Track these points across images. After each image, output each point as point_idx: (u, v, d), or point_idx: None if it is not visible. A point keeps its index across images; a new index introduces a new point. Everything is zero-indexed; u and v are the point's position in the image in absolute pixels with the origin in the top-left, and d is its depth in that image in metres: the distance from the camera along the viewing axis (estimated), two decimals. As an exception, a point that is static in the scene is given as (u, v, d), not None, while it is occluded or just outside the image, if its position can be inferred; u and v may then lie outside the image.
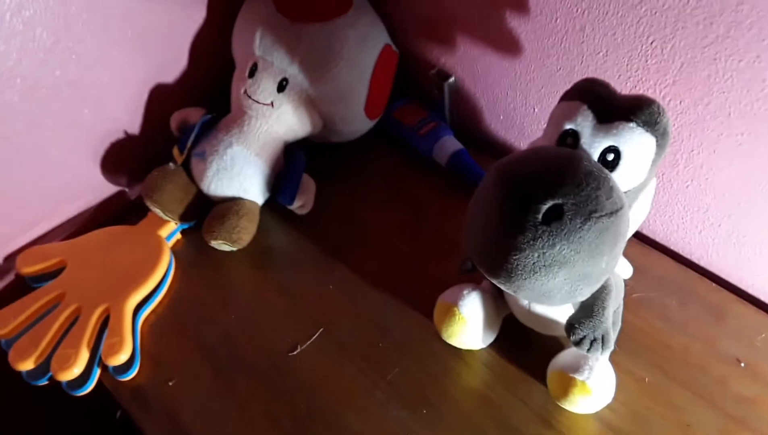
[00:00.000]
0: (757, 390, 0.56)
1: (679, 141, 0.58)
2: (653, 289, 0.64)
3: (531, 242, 0.41)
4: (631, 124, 0.44)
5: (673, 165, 0.60)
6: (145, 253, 0.70)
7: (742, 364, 0.58)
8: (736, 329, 0.60)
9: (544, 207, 0.41)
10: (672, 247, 0.68)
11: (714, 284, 0.64)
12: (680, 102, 0.56)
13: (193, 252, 0.73)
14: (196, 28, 0.78)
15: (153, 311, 0.68)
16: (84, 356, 0.62)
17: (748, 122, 0.53)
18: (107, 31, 0.69)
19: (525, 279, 0.43)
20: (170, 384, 0.62)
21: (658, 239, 0.69)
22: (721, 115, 0.54)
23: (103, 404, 0.66)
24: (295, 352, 0.62)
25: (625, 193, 0.46)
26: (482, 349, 0.61)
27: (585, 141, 0.46)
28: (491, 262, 0.44)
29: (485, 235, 0.44)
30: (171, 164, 0.73)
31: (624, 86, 0.59)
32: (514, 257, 0.42)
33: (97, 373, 0.63)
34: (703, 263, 0.66)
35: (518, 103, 0.73)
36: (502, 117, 0.77)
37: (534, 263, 0.42)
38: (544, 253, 0.41)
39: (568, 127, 0.46)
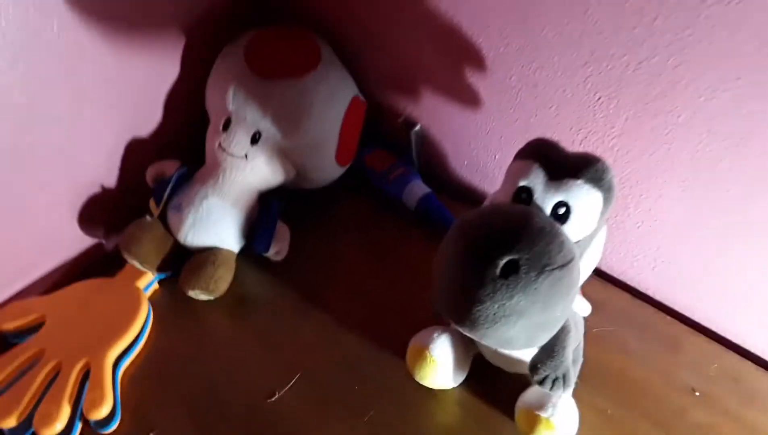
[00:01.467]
0: (712, 417, 0.59)
1: (628, 186, 0.62)
2: (612, 324, 0.67)
3: (491, 295, 0.44)
4: (579, 181, 0.48)
5: (625, 208, 0.64)
6: (124, 304, 0.71)
7: (697, 394, 0.61)
8: (691, 360, 0.64)
9: (502, 262, 0.44)
10: (628, 283, 0.72)
11: (668, 317, 0.68)
12: (627, 152, 0.60)
13: (171, 302, 0.74)
14: (170, 83, 0.80)
15: (132, 363, 0.69)
16: (66, 412, 0.62)
17: (690, 170, 0.57)
18: (81, 90, 0.71)
19: (487, 328, 0.46)
20: (151, 435, 0.63)
21: (615, 275, 0.72)
22: (664, 163, 0.58)
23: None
24: (273, 399, 0.64)
25: (577, 242, 0.49)
26: (454, 388, 0.63)
27: (538, 196, 0.49)
28: (456, 313, 0.47)
29: (450, 289, 0.47)
30: (148, 217, 0.74)
31: (575, 137, 0.63)
32: (476, 308, 0.45)
33: (79, 427, 0.63)
34: (658, 297, 0.70)
35: (480, 150, 0.76)
36: (466, 162, 0.80)
37: (495, 314, 0.45)
38: (503, 305, 0.45)
39: (522, 184, 0.50)
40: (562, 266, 0.45)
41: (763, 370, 0.63)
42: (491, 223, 0.47)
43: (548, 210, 0.49)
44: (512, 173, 0.51)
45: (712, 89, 0.50)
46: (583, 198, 0.48)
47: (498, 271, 0.44)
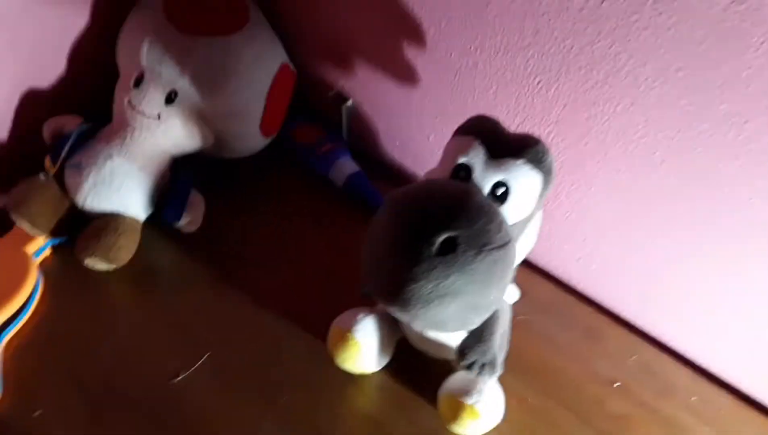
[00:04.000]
0: (629, 408, 0.60)
1: (561, 175, 0.62)
2: (536, 312, 0.67)
3: (426, 273, 0.42)
4: (519, 162, 0.47)
5: (555, 197, 0.64)
6: (9, 270, 0.65)
7: (616, 384, 0.62)
8: (611, 351, 0.65)
9: (439, 239, 0.42)
10: (553, 272, 0.72)
11: (590, 308, 0.69)
12: (562, 139, 0.60)
13: (65, 270, 0.68)
14: (77, 32, 0.73)
15: (17, 334, 0.62)
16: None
17: (624, 162, 0.57)
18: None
19: (420, 308, 0.44)
20: (37, 414, 0.57)
21: (540, 265, 0.73)
22: (598, 154, 0.58)
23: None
24: (177, 379, 0.59)
25: (513, 225, 0.48)
26: (375, 372, 0.61)
27: (477, 175, 0.47)
28: (387, 292, 0.45)
29: (382, 265, 0.45)
30: (42, 175, 0.68)
31: (512, 122, 0.62)
32: (410, 287, 0.43)
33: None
34: (580, 288, 0.71)
35: (414, 131, 0.74)
36: (398, 142, 0.78)
37: (429, 293, 0.43)
38: (438, 284, 0.43)
39: (461, 161, 0.48)
40: (500, 247, 0.44)
41: (679, 363, 0.65)
42: (429, 199, 0.44)
43: (487, 189, 0.47)
44: (451, 149, 0.49)
45: (652, 79, 0.50)
46: (522, 179, 0.47)
47: (435, 248, 0.42)
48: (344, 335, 0.57)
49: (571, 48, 0.54)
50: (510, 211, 0.48)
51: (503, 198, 0.47)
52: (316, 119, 0.84)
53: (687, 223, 0.57)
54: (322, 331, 0.60)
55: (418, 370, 0.61)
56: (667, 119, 0.51)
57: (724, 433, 0.59)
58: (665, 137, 0.53)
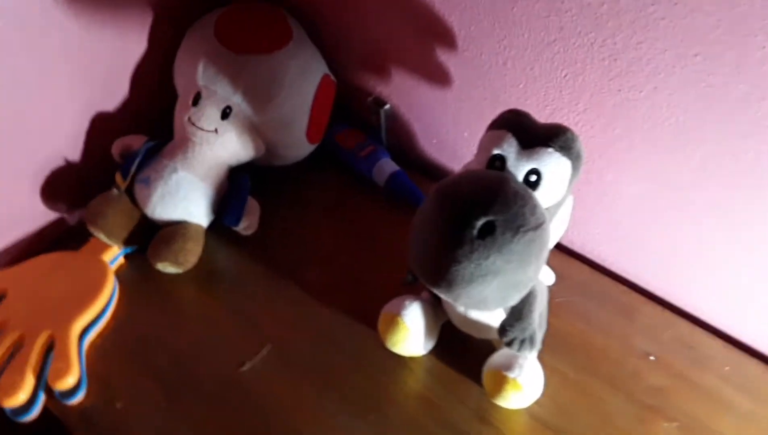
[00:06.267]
0: (666, 380, 0.63)
1: (591, 161, 0.65)
2: (573, 294, 0.70)
3: (468, 255, 0.46)
4: (550, 150, 0.50)
5: (587, 182, 0.67)
6: (88, 277, 0.70)
7: (652, 358, 0.65)
8: (646, 327, 0.68)
9: (479, 223, 0.46)
10: (588, 256, 0.75)
11: (625, 287, 0.72)
12: (591, 127, 0.63)
13: (138, 275, 0.74)
14: (138, 57, 0.79)
15: (100, 335, 0.68)
16: (29, 382, 0.61)
17: (649, 144, 0.60)
18: (46, 61, 0.70)
19: (463, 288, 0.48)
20: (118, 406, 0.62)
21: (575, 249, 0.76)
22: (626, 138, 0.61)
23: (48, 431, 0.65)
24: (244, 368, 0.64)
25: (546, 209, 0.52)
26: (423, 355, 0.65)
27: (511, 164, 0.51)
28: (433, 274, 0.49)
29: (428, 250, 0.49)
30: (114, 190, 0.74)
31: (542, 113, 0.66)
32: (454, 268, 0.47)
33: (42, 399, 0.62)
34: (615, 269, 0.74)
35: (450, 129, 0.78)
36: (435, 141, 0.82)
37: (471, 273, 0.47)
38: (479, 264, 0.47)
39: (496, 152, 0.52)
40: (536, 228, 0.48)
41: (714, 336, 0.67)
42: (469, 187, 0.49)
43: (520, 177, 0.51)
44: (486, 142, 0.53)
45: (672, 65, 0.53)
46: (553, 165, 0.51)
47: (475, 232, 0.46)
48: (394, 319, 0.61)
49: (595, 41, 0.57)
50: (543, 196, 0.51)
51: (536, 184, 0.51)
52: (356, 124, 0.88)
53: (714, 201, 0.59)
54: (373, 321, 0.64)
55: (463, 353, 0.65)
56: (688, 102, 0.54)
57: (757, 399, 0.62)
58: (688, 119, 0.56)
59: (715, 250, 0.63)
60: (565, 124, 0.53)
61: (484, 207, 0.47)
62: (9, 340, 0.64)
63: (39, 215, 0.77)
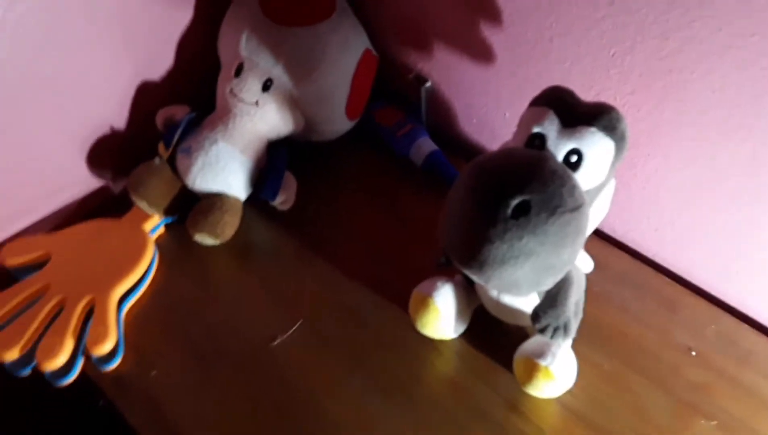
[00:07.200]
0: (706, 377, 0.60)
1: (636, 146, 0.62)
2: (612, 284, 0.68)
3: (501, 235, 0.45)
4: (593, 129, 0.48)
5: (631, 167, 0.64)
6: (129, 245, 0.72)
7: (693, 353, 0.62)
8: (688, 320, 0.65)
9: (513, 202, 0.45)
10: (629, 244, 0.73)
11: (667, 279, 0.69)
12: (638, 110, 0.60)
13: (177, 245, 0.75)
14: (182, 28, 0.80)
15: (136, 303, 0.70)
16: (69, 345, 0.63)
17: (698, 129, 0.57)
18: (95, 29, 0.71)
19: (495, 269, 0.46)
20: (153, 374, 0.63)
21: (617, 237, 0.73)
22: (674, 122, 0.58)
23: (82, 396, 0.67)
24: (275, 343, 0.65)
25: (586, 191, 0.50)
26: (454, 338, 0.64)
27: (551, 143, 0.49)
28: (465, 254, 0.48)
29: (460, 229, 0.48)
30: (156, 159, 0.75)
31: (587, 94, 0.63)
32: (486, 248, 0.46)
33: (81, 362, 0.64)
34: (657, 259, 0.71)
35: (490, 108, 0.77)
36: (475, 120, 0.81)
37: (504, 254, 0.46)
38: (512, 245, 0.45)
39: (536, 130, 0.50)
40: (573, 210, 0.46)
41: (760, 333, 0.64)
42: (505, 165, 0.47)
43: (561, 157, 0.49)
44: (526, 120, 0.52)
45: (727, 46, 0.50)
46: (595, 146, 0.49)
47: (509, 211, 0.45)
48: (425, 300, 0.61)
49: (646, 18, 0.54)
50: (583, 178, 0.49)
51: (576, 165, 0.49)
52: (396, 101, 0.87)
53: (764, 191, 0.56)
54: (404, 300, 0.64)
55: (494, 339, 0.63)
56: (741, 85, 0.51)
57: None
58: (741, 103, 0.52)
59: (766, 243, 0.59)
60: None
61: (520, 186, 0.45)
62: (51, 304, 0.66)
63: (83, 181, 0.79)
